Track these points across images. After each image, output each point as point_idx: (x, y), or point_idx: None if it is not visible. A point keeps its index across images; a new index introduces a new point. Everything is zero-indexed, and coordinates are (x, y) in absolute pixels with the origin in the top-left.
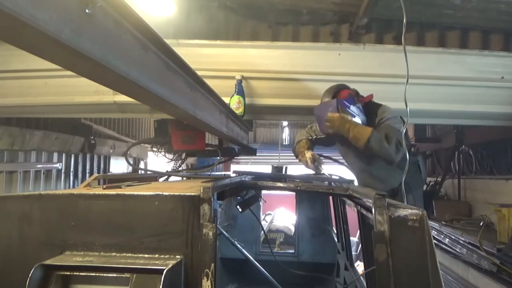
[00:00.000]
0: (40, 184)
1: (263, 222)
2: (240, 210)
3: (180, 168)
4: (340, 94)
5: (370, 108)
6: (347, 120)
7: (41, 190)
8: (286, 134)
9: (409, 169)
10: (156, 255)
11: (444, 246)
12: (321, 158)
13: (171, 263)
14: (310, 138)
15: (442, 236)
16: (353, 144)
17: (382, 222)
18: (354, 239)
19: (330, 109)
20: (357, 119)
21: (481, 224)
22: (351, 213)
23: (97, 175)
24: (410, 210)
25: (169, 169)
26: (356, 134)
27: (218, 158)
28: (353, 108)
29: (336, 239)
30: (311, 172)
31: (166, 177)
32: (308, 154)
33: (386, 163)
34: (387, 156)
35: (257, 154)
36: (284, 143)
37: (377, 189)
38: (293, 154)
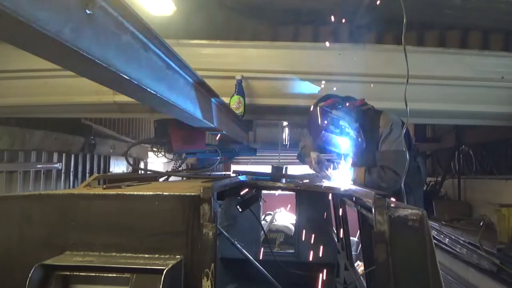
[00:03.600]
0: (40, 184)
1: (263, 222)
2: (240, 210)
3: (180, 168)
4: (325, 102)
5: (369, 116)
6: None
7: (41, 190)
8: (286, 134)
9: (409, 170)
10: (156, 255)
11: (444, 246)
12: (326, 159)
13: (171, 263)
14: None
15: (442, 236)
16: None
17: (382, 222)
18: (354, 239)
19: (314, 117)
20: (343, 123)
21: (481, 224)
22: (351, 213)
23: (97, 175)
24: (410, 210)
25: (169, 169)
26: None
27: (218, 158)
28: (336, 113)
29: (336, 239)
30: (312, 172)
31: (166, 177)
32: (313, 155)
33: None
34: (388, 191)
35: (257, 154)
36: (284, 143)
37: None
38: (292, 154)
